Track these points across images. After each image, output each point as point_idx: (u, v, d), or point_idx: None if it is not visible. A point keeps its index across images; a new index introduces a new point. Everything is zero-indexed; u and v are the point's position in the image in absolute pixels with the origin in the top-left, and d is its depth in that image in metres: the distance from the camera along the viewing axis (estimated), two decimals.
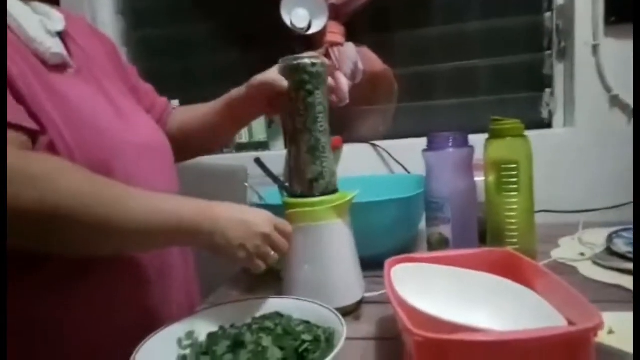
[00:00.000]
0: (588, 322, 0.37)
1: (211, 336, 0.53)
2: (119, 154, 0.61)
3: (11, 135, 0.49)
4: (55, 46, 0.60)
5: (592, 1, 1.03)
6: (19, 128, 0.50)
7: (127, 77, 0.77)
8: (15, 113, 0.51)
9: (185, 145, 0.83)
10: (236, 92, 0.74)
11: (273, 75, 0.66)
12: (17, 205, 0.45)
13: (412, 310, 0.43)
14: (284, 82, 0.64)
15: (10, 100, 0.51)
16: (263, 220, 0.58)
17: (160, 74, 0.86)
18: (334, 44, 1.10)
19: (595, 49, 1.04)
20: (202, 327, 0.54)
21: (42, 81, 0.56)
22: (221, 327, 0.55)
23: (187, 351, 0.51)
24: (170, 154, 0.75)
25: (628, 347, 0.46)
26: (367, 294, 0.68)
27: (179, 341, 0.53)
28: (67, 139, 0.55)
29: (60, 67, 0.61)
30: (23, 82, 0.53)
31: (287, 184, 0.70)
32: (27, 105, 0.52)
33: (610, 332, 0.50)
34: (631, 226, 0.84)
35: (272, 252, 0.58)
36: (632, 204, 0.94)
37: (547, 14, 1.13)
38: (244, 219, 0.57)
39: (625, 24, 1.01)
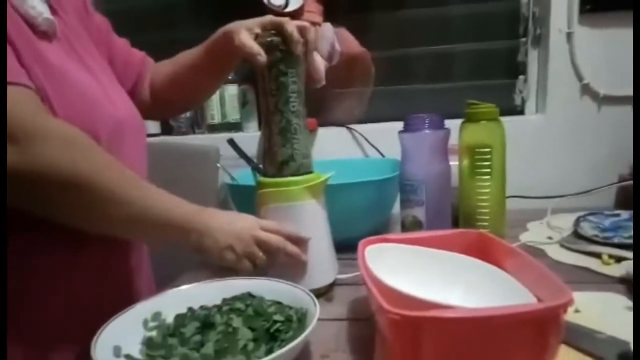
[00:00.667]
0: (558, 299, 0.37)
1: (179, 317, 0.52)
2: (104, 127, 0.59)
3: (29, 93, 0.49)
4: (46, 12, 0.57)
5: None
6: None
7: (100, 32, 0.72)
8: (23, 75, 0.50)
9: (176, 97, 0.80)
10: (213, 40, 0.71)
11: (244, 40, 0.62)
12: (45, 164, 0.47)
13: (386, 289, 0.43)
14: (254, 49, 0.60)
15: (15, 61, 0.50)
16: (250, 223, 0.60)
17: (138, 48, 0.82)
18: (312, 23, 1.08)
19: (569, 36, 1.05)
20: (170, 308, 0.53)
21: (31, 48, 0.53)
22: (189, 309, 0.53)
23: (154, 333, 0.50)
24: (144, 130, 0.73)
25: (594, 325, 0.47)
26: (340, 276, 0.68)
27: (145, 322, 0.51)
28: (56, 109, 0.53)
29: (47, 35, 0.58)
30: (20, 45, 0.51)
31: (260, 166, 0.68)
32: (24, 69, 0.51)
33: (577, 311, 0.52)
34: (597, 211, 0.86)
35: (260, 254, 0.58)
36: (599, 190, 0.97)
37: (524, 1, 1.14)
38: (233, 221, 0.59)
39: (599, 13, 1.03)
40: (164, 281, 0.72)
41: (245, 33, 0.62)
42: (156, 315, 0.52)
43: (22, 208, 0.50)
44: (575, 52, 1.06)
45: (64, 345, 0.56)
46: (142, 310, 0.52)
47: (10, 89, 0.47)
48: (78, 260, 0.59)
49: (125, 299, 0.65)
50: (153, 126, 1.29)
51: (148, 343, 0.48)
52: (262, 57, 0.60)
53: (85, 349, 0.43)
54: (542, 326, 0.37)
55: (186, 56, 0.76)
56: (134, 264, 0.69)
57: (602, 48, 1.05)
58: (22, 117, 0.47)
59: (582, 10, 1.04)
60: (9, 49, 0.49)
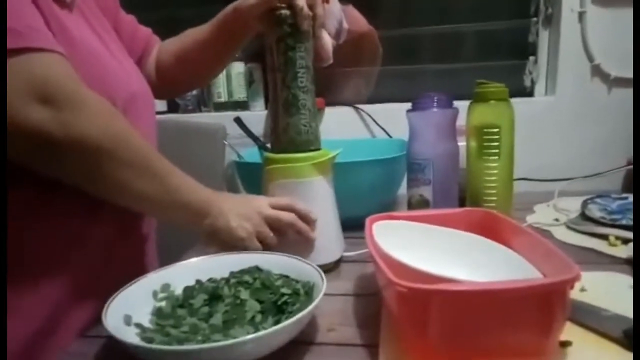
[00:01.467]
0: (565, 275, 0.37)
1: (187, 289, 0.52)
2: (121, 99, 0.59)
3: (64, 60, 0.49)
4: None
5: None
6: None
7: (108, 5, 0.72)
8: (56, 44, 0.49)
9: (183, 75, 0.80)
10: (223, 16, 0.71)
11: None
12: (81, 130, 0.47)
13: (393, 264, 0.43)
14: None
15: (47, 29, 0.49)
16: (260, 203, 0.61)
17: (147, 25, 0.81)
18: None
19: (581, 16, 1.03)
20: (178, 281, 0.53)
21: (55, 17, 0.52)
22: (198, 281, 0.54)
23: (163, 303, 0.50)
24: (154, 105, 0.73)
25: (600, 303, 0.47)
26: (346, 253, 0.68)
27: (154, 293, 0.51)
28: None
29: (67, 4, 0.57)
30: (46, 13, 0.50)
31: (267, 144, 0.69)
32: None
33: (583, 289, 0.52)
34: (605, 194, 0.86)
35: (270, 233, 0.60)
36: (607, 173, 0.97)
37: None
38: (243, 202, 0.60)
39: None
40: (169, 251, 0.73)
41: None
42: (165, 287, 0.53)
43: (41, 170, 0.50)
44: (586, 32, 1.04)
45: (76, 309, 0.56)
46: (151, 281, 0.52)
47: (47, 55, 0.47)
48: (93, 225, 0.59)
49: (137, 267, 0.66)
50: (160, 104, 1.28)
51: (158, 313, 0.49)
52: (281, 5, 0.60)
53: (97, 315, 0.44)
54: (548, 301, 0.37)
55: (194, 33, 0.76)
56: (145, 233, 0.70)
57: (614, 28, 1.03)
58: (62, 82, 0.47)
59: None
60: (38, 17, 0.49)
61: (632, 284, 0.53)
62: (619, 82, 1.05)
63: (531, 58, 1.15)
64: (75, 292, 0.56)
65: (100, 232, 0.59)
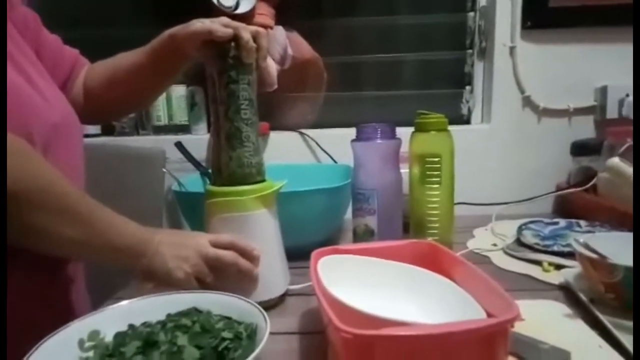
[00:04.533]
0: (506, 313, 0.37)
1: (119, 336, 0.48)
2: (39, 131, 0.54)
3: None
4: None
5: (511, 5, 1.08)
6: None
7: (27, 25, 0.66)
8: None
9: (114, 101, 0.74)
10: (159, 42, 0.66)
11: (199, 25, 0.60)
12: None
13: (339, 304, 0.42)
14: (219, 32, 0.58)
15: None
16: (199, 241, 0.58)
17: (76, 45, 0.76)
18: (263, 27, 1.06)
19: (512, 50, 1.10)
20: (109, 326, 0.49)
21: None
22: (131, 326, 0.50)
23: (90, 353, 0.46)
24: (81, 133, 0.68)
25: (537, 333, 0.48)
26: (292, 286, 0.66)
27: (81, 342, 0.47)
28: None
29: None
30: None
31: (209, 170, 0.66)
32: None
33: (521, 319, 0.53)
34: (538, 219, 0.90)
35: (208, 272, 0.57)
36: (540, 198, 1.02)
37: (471, 14, 1.18)
38: (181, 242, 0.58)
39: (540, 29, 1.08)
40: (101, 290, 0.68)
41: (199, 23, 0.60)
42: (93, 334, 0.48)
43: None
44: (517, 65, 1.11)
45: None
46: (77, 329, 0.47)
47: None
48: (14, 274, 0.53)
49: (62, 314, 0.60)
50: (93, 126, 1.22)
51: None
52: (225, 31, 0.57)
53: None
54: (491, 341, 0.37)
55: (127, 57, 0.71)
56: (70, 275, 0.64)
57: (542, 63, 1.10)
58: None
59: (524, 26, 1.09)
60: None
61: (566, 313, 0.55)
62: (547, 112, 1.12)
63: (467, 87, 1.21)
64: None
65: (18, 280, 0.54)
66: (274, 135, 1.18)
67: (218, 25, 0.58)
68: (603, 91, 1.08)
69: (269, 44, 1.06)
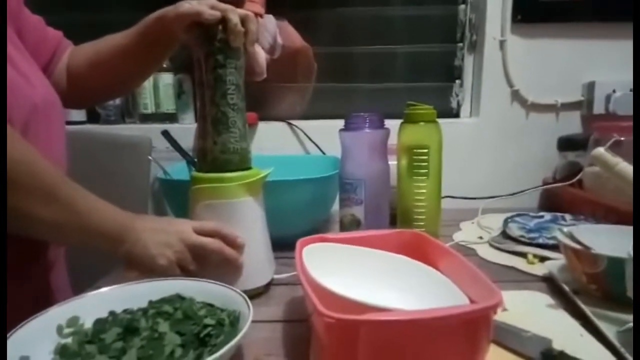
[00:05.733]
0: (489, 300, 0.37)
1: (99, 322, 0.47)
2: (19, 111, 0.53)
3: None
4: None
5: None
6: None
7: (7, 3, 0.63)
8: None
9: (98, 84, 0.73)
10: (145, 24, 0.65)
11: (188, 6, 0.58)
12: None
13: (323, 291, 0.42)
14: (206, 14, 0.56)
15: None
16: (183, 228, 0.57)
17: (64, 29, 0.74)
18: (253, 14, 1.04)
19: (502, 44, 1.10)
20: (89, 313, 0.48)
21: None
22: (111, 312, 0.49)
23: (69, 340, 0.45)
24: (63, 116, 0.66)
25: (520, 323, 0.49)
26: (277, 276, 0.66)
27: (59, 328, 0.46)
28: None
29: None
30: None
31: (195, 160, 0.65)
32: None
33: (504, 309, 0.53)
34: (524, 212, 0.91)
35: (191, 260, 0.56)
36: (525, 192, 1.03)
37: (462, 7, 1.18)
38: (164, 228, 0.56)
39: (530, 24, 1.08)
40: (83, 276, 0.67)
41: (188, 4, 0.58)
42: (73, 320, 0.47)
43: None
44: (507, 59, 1.11)
45: None
46: (56, 315, 0.47)
47: None
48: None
49: (41, 299, 0.59)
50: (78, 113, 1.19)
51: (61, 351, 0.43)
52: (213, 13, 0.56)
53: None
54: (474, 327, 0.37)
55: (113, 40, 0.69)
56: (51, 259, 0.63)
57: (531, 57, 1.10)
58: None
59: (514, 20, 1.09)
60: None
61: (549, 303, 0.56)
62: (535, 107, 1.13)
63: (457, 81, 1.21)
64: None
65: None
66: (262, 126, 1.17)
67: (206, 7, 0.57)
68: (590, 87, 1.09)
69: (259, 32, 1.05)
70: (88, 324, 0.47)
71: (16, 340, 0.41)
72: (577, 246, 0.57)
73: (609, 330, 0.46)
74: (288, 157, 1.07)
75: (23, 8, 0.67)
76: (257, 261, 0.62)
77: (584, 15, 1.07)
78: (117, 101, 1.20)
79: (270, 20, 1.08)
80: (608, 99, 1.06)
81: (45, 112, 0.59)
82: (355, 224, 0.75)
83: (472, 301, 0.42)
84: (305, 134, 1.15)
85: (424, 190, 0.75)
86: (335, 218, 0.86)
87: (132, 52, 0.67)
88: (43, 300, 0.60)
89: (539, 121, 1.13)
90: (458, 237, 0.86)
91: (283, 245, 0.66)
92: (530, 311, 0.53)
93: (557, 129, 1.09)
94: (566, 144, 1.04)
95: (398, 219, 0.79)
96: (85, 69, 0.71)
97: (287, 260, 0.67)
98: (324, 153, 1.13)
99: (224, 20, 0.57)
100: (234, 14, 0.57)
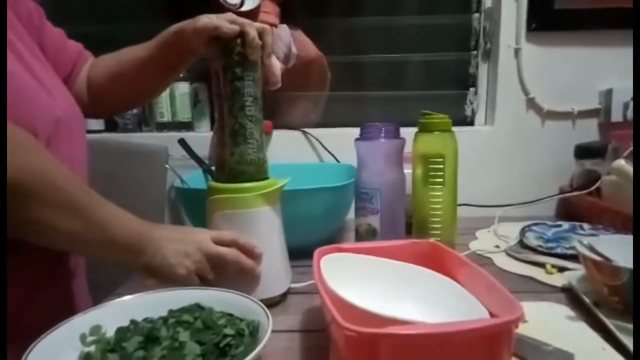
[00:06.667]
0: (510, 314, 0.37)
1: (120, 331, 0.48)
2: (42, 125, 0.54)
3: None
4: None
5: (516, 6, 1.08)
6: None
7: (30, 17, 0.65)
8: None
9: (117, 95, 0.74)
10: (163, 38, 0.66)
11: (206, 20, 0.59)
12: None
13: (341, 302, 0.42)
14: (225, 28, 0.58)
15: None
16: (201, 238, 0.58)
17: (80, 40, 0.76)
18: (268, 25, 1.05)
19: (517, 52, 1.10)
20: (111, 321, 0.49)
21: None
22: (132, 321, 0.50)
23: (92, 348, 0.46)
24: (83, 125, 0.68)
25: (540, 335, 0.48)
26: (294, 285, 0.66)
27: (83, 337, 0.47)
28: None
29: None
30: None
31: (212, 167, 0.66)
32: None
33: (524, 321, 0.53)
34: (541, 221, 0.90)
35: (209, 269, 0.57)
36: (543, 200, 1.02)
37: (476, 15, 1.18)
38: (182, 237, 0.57)
39: (544, 32, 1.08)
40: (102, 285, 0.68)
41: (206, 18, 0.59)
42: (95, 329, 0.48)
43: None
44: (522, 67, 1.10)
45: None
46: (79, 323, 0.47)
47: None
48: (16, 268, 0.53)
49: (64, 308, 0.60)
50: (96, 122, 1.22)
51: None
52: (231, 27, 0.57)
53: None
54: (495, 340, 0.37)
55: (132, 52, 0.71)
56: (72, 269, 0.64)
57: (547, 65, 1.10)
58: None
59: (529, 28, 1.08)
60: None
61: (569, 315, 0.55)
62: (551, 115, 1.12)
63: (471, 89, 1.20)
64: None
65: (20, 273, 0.54)
66: (277, 134, 1.18)
67: (224, 22, 0.58)
68: (608, 94, 1.07)
69: (274, 42, 1.06)
70: (110, 332, 0.48)
71: (42, 349, 0.42)
72: (598, 258, 0.56)
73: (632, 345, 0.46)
74: (302, 165, 1.07)
75: (45, 21, 0.69)
76: (275, 270, 0.62)
77: (600, 23, 1.06)
78: (135, 110, 1.21)
79: (284, 30, 1.09)
80: (626, 106, 1.05)
81: (67, 125, 0.60)
82: (371, 234, 0.75)
83: (490, 313, 0.42)
84: (319, 141, 1.16)
85: (439, 200, 0.75)
86: (349, 226, 0.86)
87: (151, 65, 0.69)
88: (65, 307, 0.62)
89: (554, 129, 1.12)
90: (474, 245, 0.86)
91: (298, 253, 0.66)
92: (549, 323, 0.53)
93: (573, 137, 1.08)
94: (583, 151, 1.03)
95: (414, 228, 0.79)
96: (105, 80, 0.72)
97: (303, 269, 0.67)
98: (338, 161, 1.13)
99: (241, 34, 0.58)
100: (252, 28, 0.58)
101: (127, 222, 0.54)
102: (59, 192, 0.49)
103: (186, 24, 0.62)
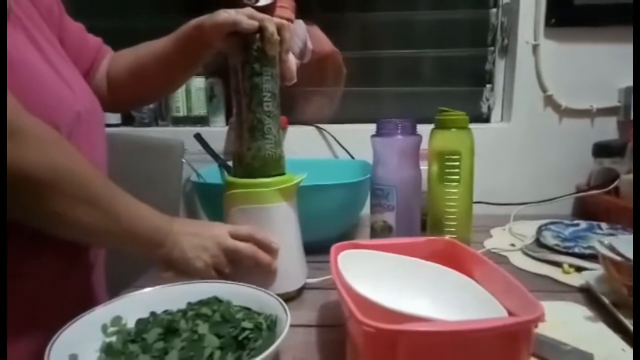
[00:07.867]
0: (530, 313, 0.37)
1: (141, 322, 0.49)
2: (64, 120, 0.55)
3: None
4: None
5: (535, 1, 1.06)
6: None
7: (51, 12, 0.66)
8: None
9: (137, 90, 0.75)
10: (183, 32, 0.67)
11: (226, 15, 0.60)
12: (24, 166, 0.44)
13: (358, 297, 0.42)
14: (244, 23, 0.58)
15: None
16: (219, 232, 0.59)
17: (99, 35, 0.77)
18: (284, 20, 1.06)
19: (535, 48, 1.08)
20: (131, 313, 0.50)
21: None
22: (152, 313, 0.51)
23: (113, 338, 0.47)
24: (102, 120, 0.68)
25: (558, 335, 0.48)
26: (309, 280, 0.67)
27: (104, 327, 0.48)
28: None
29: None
30: None
31: (228, 162, 0.66)
32: None
33: (544, 320, 0.53)
34: (558, 220, 0.89)
35: (226, 264, 0.58)
36: (559, 199, 1.01)
37: (493, 10, 1.16)
38: (200, 231, 0.58)
39: (564, 27, 1.06)
40: (120, 278, 0.69)
41: (225, 13, 0.60)
42: (116, 320, 0.49)
43: None
44: (540, 64, 1.09)
45: (17, 349, 0.52)
46: (101, 314, 0.48)
47: None
48: (32, 257, 0.55)
49: (85, 300, 0.62)
50: (113, 116, 1.23)
51: (107, 350, 0.45)
52: (251, 22, 0.57)
53: (40, 355, 0.40)
54: (514, 339, 0.37)
55: (151, 46, 0.71)
56: (92, 262, 0.65)
57: (565, 62, 1.08)
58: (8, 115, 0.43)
59: (548, 24, 1.07)
60: None
61: (586, 315, 0.55)
62: (569, 112, 1.10)
63: (488, 85, 1.19)
64: (16, 331, 0.51)
65: (41, 265, 0.55)
66: (292, 130, 1.18)
67: (243, 17, 0.58)
68: (628, 92, 1.06)
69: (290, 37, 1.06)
70: (130, 323, 0.49)
71: (65, 339, 0.43)
72: (618, 258, 0.55)
73: None
74: (317, 160, 1.07)
75: (65, 16, 0.70)
76: (291, 265, 0.63)
77: (620, 18, 1.04)
78: (151, 104, 1.23)
79: (300, 25, 1.09)
80: None
81: (88, 119, 0.61)
82: (386, 230, 0.75)
83: (509, 312, 0.42)
84: (334, 137, 1.16)
85: (455, 197, 0.75)
86: (364, 222, 0.86)
87: (170, 59, 0.69)
88: (84, 299, 0.63)
89: (572, 126, 1.11)
90: (489, 244, 0.85)
91: (314, 249, 0.67)
92: (567, 323, 0.52)
93: (591, 135, 1.07)
94: (602, 150, 1.01)
95: (428, 225, 0.78)
96: (125, 75, 0.73)
97: (318, 264, 0.68)
98: (352, 157, 1.13)
99: (260, 30, 0.58)
100: (271, 24, 0.58)
101: (147, 215, 0.55)
102: (80, 185, 0.49)
103: (205, 18, 0.62)
